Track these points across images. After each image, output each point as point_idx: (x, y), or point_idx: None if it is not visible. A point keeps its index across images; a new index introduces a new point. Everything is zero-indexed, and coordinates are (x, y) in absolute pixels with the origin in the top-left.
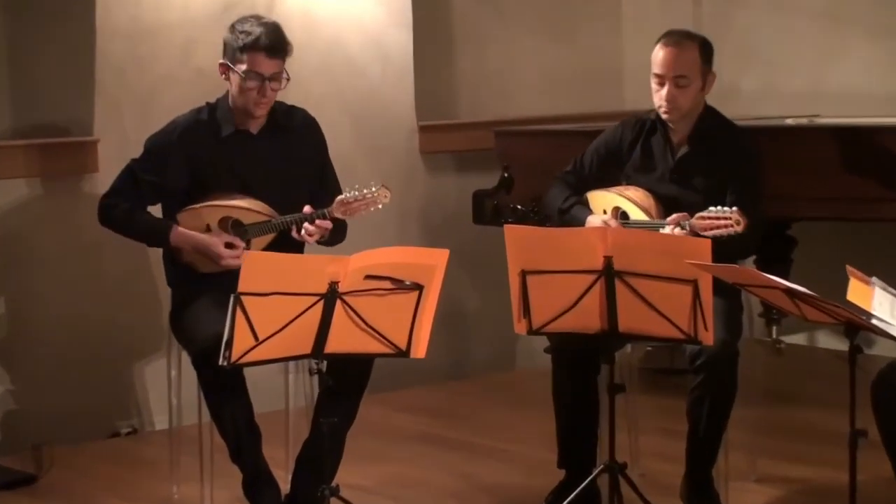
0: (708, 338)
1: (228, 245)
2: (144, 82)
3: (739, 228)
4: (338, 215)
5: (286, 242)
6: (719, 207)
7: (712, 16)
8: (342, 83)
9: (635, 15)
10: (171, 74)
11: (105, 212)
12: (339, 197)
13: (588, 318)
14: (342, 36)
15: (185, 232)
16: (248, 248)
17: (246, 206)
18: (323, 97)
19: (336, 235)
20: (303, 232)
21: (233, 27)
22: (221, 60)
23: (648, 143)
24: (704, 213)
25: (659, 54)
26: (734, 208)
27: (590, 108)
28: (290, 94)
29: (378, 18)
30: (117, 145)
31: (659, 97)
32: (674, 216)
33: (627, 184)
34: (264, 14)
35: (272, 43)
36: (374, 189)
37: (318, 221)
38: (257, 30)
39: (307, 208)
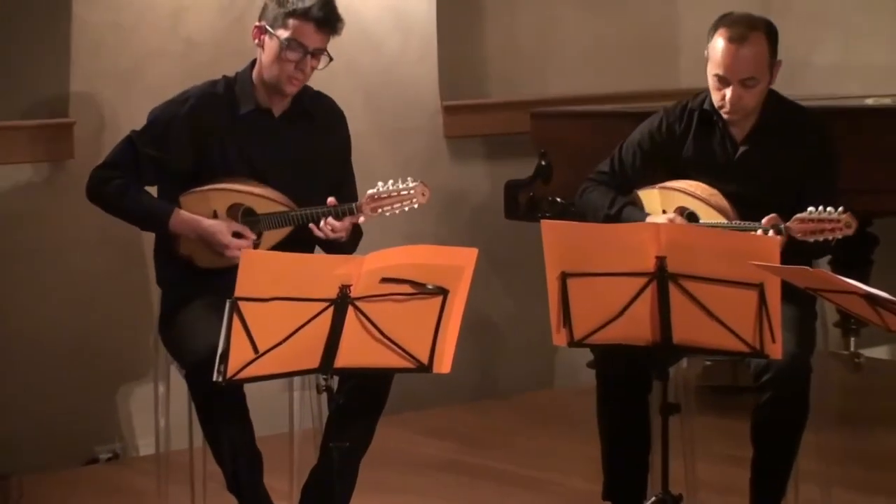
0: (776, 351)
1: (237, 235)
2: (126, 56)
3: (850, 231)
4: (366, 211)
5: (301, 240)
6: (821, 209)
7: None
8: (354, 56)
9: None
10: (157, 46)
11: (96, 184)
12: (370, 191)
13: (638, 328)
14: (357, 4)
15: (187, 216)
16: (259, 241)
17: (260, 194)
18: (332, 73)
19: (351, 241)
20: (326, 228)
21: None
22: (258, 23)
23: (703, 136)
24: (805, 216)
25: (720, 50)
26: (840, 209)
27: (640, 86)
28: None
29: None
30: (95, 128)
31: (720, 97)
32: (767, 218)
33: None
34: None
35: (325, 15)
36: (410, 184)
37: (347, 219)
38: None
39: (332, 199)
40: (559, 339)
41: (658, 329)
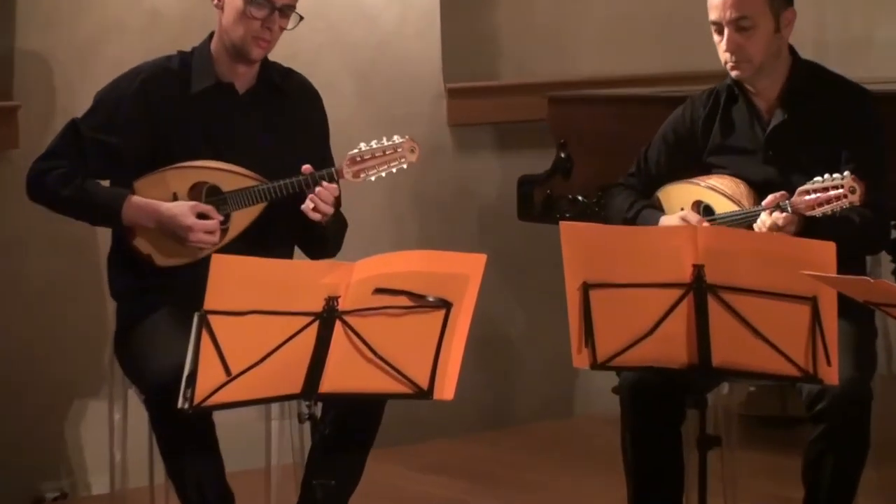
0: (831, 375)
1: (202, 216)
2: (81, 30)
3: (856, 198)
4: (348, 176)
5: (277, 221)
6: (826, 176)
7: None
8: (343, 30)
9: None
10: (116, 19)
11: (36, 180)
12: (351, 153)
13: (671, 348)
14: None
15: (142, 201)
16: (227, 223)
17: (225, 168)
18: (319, 50)
19: (336, 228)
20: (308, 203)
21: None
22: None
23: (729, 116)
24: (808, 186)
25: None
26: (846, 173)
27: (674, 68)
28: (279, 45)
29: None
30: (45, 114)
31: (721, 50)
32: (770, 198)
33: (712, 173)
34: None
35: None
36: (397, 141)
37: (324, 185)
38: None
39: (307, 167)
40: (580, 360)
41: (695, 349)
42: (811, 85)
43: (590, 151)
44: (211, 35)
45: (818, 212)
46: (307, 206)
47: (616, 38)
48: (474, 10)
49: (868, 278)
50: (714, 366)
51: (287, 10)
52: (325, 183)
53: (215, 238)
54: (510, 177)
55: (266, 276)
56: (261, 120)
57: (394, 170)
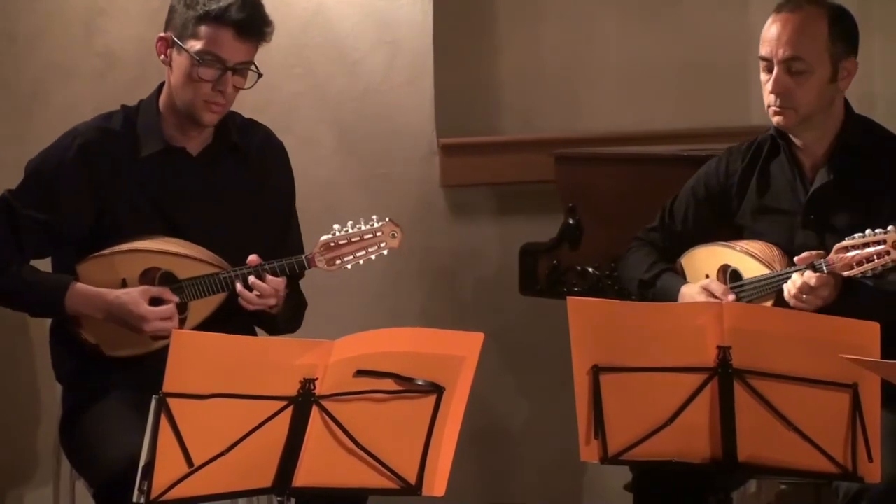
0: (873, 472)
1: (155, 301)
2: (23, 74)
3: None
4: (321, 264)
5: (239, 312)
6: (867, 231)
7: None
8: (326, 78)
9: None
10: (65, 62)
11: None
12: (324, 238)
13: (692, 441)
14: (327, 7)
15: (88, 290)
16: (183, 315)
17: (181, 253)
18: (296, 99)
19: (289, 314)
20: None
21: None
22: (163, 33)
23: (767, 170)
24: (847, 242)
25: (766, 26)
26: (889, 227)
27: (696, 123)
28: (248, 93)
29: None
30: None
31: (766, 91)
32: (804, 255)
33: (744, 237)
34: None
35: (248, 18)
36: (375, 225)
37: (269, 280)
38: None
39: (253, 257)
40: (588, 453)
41: (719, 442)
42: (864, 143)
43: (602, 217)
44: (160, 87)
45: (857, 271)
46: (244, 304)
47: (632, 90)
48: (472, 56)
49: None
50: (740, 461)
51: (242, 68)
52: (269, 278)
53: (174, 323)
54: (511, 245)
55: (234, 355)
56: (218, 185)
57: (373, 257)
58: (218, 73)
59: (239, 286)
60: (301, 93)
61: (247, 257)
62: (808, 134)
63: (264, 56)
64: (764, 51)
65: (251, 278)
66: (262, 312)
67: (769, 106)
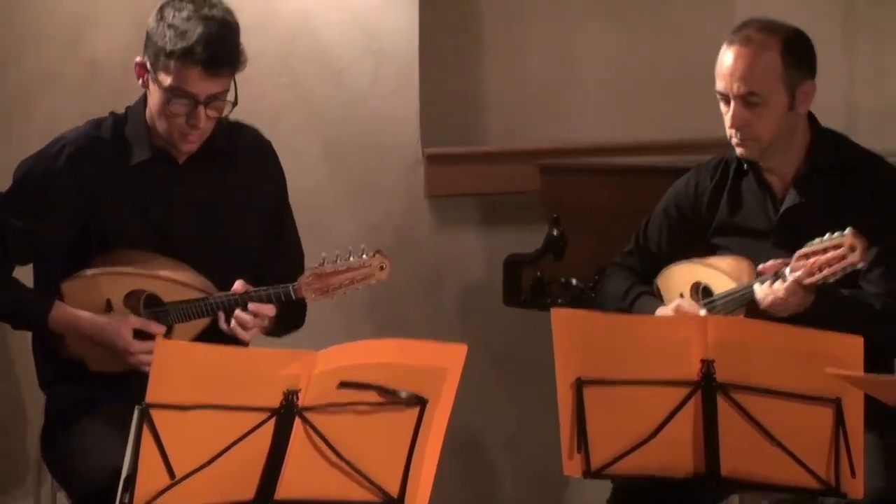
0: (856, 489)
1: (139, 334)
2: (11, 81)
3: (856, 258)
4: (309, 294)
5: (224, 333)
6: (826, 235)
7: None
8: (311, 88)
9: None
10: (51, 69)
11: None
12: (313, 268)
13: (675, 455)
14: (313, 15)
15: (70, 313)
16: (170, 335)
17: (167, 276)
18: (281, 109)
19: (286, 322)
20: (232, 323)
21: (161, 13)
22: (140, 58)
23: (738, 191)
24: (806, 248)
25: (722, 58)
26: (847, 230)
27: (681, 134)
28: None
29: None
30: None
31: (726, 124)
32: (767, 264)
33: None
34: None
35: (214, 54)
36: (364, 257)
37: (253, 307)
38: (195, 29)
39: (238, 285)
40: (572, 466)
41: (702, 456)
42: (833, 162)
43: (586, 228)
44: (146, 96)
45: (819, 277)
46: (228, 328)
47: (617, 101)
48: (457, 66)
49: None
50: (723, 475)
51: (215, 99)
52: (255, 306)
53: None
54: (495, 256)
55: (217, 366)
56: (206, 191)
57: (359, 287)
58: (189, 108)
59: (224, 326)
60: (286, 102)
61: (238, 264)
62: (773, 159)
63: (250, 65)
64: (719, 86)
65: (236, 312)
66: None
67: (730, 137)
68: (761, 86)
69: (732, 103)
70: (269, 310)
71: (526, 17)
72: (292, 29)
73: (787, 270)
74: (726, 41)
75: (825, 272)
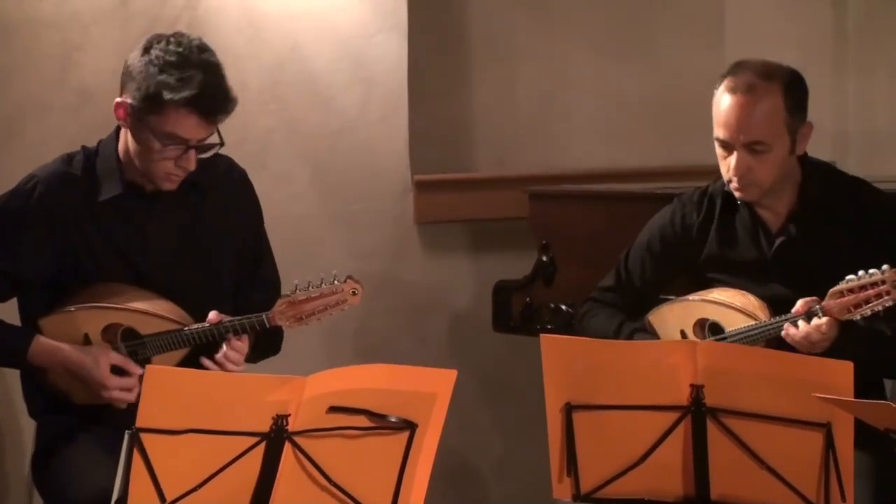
0: None
1: (117, 370)
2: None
3: None
4: (281, 322)
5: (201, 365)
6: (861, 273)
7: (863, 22)
8: (299, 114)
9: (745, 22)
10: (37, 98)
11: None
12: (286, 296)
13: (665, 479)
14: (302, 42)
15: (50, 345)
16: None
17: (143, 309)
18: (270, 136)
19: (263, 350)
20: (220, 359)
21: (148, 55)
22: (121, 98)
23: (729, 226)
24: (842, 286)
25: (721, 105)
26: (884, 267)
27: (671, 161)
28: (223, 129)
29: (357, 19)
30: None
31: (726, 167)
32: (801, 303)
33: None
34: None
35: (214, 103)
36: (335, 283)
37: (231, 343)
38: (195, 77)
39: (213, 315)
40: (561, 491)
41: (692, 480)
42: (829, 196)
43: (576, 255)
44: (119, 129)
45: (857, 314)
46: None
47: (606, 128)
48: (447, 93)
49: (890, 403)
50: (713, 500)
51: (204, 142)
52: (233, 341)
53: (132, 396)
54: (485, 282)
55: (206, 391)
56: (180, 224)
57: (332, 314)
58: (180, 152)
59: (208, 363)
60: (275, 129)
61: (214, 294)
62: (768, 199)
63: (239, 93)
64: (722, 134)
65: (224, 351)
66: None
67: (730, 181)
68: (767, 134)
69: (736, 152)
70: (242, 346)
71: (515, 46)
72: (281, 56)
73: (820, 308)
74: (725, 87)
75: (864, 309)
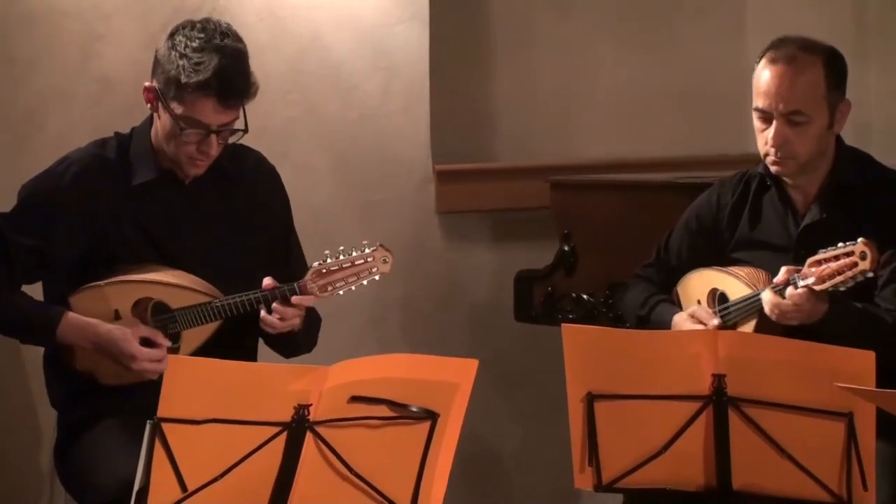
0: (868, 501)
1: (146, 342)
2: (19, 99)
3: (867, 265)
4: (313, 290)
5: (233, 339)
6: (840, 244)
7: (885, 13)
8: (320, 103)
9: (766, 12)
10: (59, 88)
11: None
12: (315, 265)
13: (686, 469)
14: (323, 33)
15: (79, 320)
16: (176, 345)
17: (173, 283)
18: (291, 125)
19: (309, 334)
20: (273, 315)
21: (172, 40)
22: (149, 83)
23: (759, 205)
24: (819, 255)
25: (762, 76)
26: (859, 239)
27: (693, 151)
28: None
29: (379, 7)
30: None
31: (764, 140)
32: (781, 273)
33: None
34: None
35: (229, 88)
36: (366, 251)
37: (296, 299)
38: (212, 61)
39: (268, 281)
40: (583, 480)
41: (713, 470)
42: (857, 180)
43: (597, 244)
44: (152, 116)
45: (829, 284)
46: (269, 328)
47: (627, 117)
48: (468, 82)
49: None
50: (735, 489)
51: (226, 128)
52: (294, 298)
53: (162, 366)
54: (507, 272)
55: (228, 381)
56: (210, 213)
57: (364, 282)
58: (201, 136)
59: (263, 312)
60: (296, 119)
61: (241, 285)
62: (802, 176)
63: (260, 82)
64: (762, 103)
65: (274, 304)
66: (283, 335)
67: (766, 155)
68: (807, 104)
69: (774, 122)
70: (309, 300)
71: (537, 35)
72: (302, 46)
73: (798, 278)
74: (766, 59)
75: (837, 279)
